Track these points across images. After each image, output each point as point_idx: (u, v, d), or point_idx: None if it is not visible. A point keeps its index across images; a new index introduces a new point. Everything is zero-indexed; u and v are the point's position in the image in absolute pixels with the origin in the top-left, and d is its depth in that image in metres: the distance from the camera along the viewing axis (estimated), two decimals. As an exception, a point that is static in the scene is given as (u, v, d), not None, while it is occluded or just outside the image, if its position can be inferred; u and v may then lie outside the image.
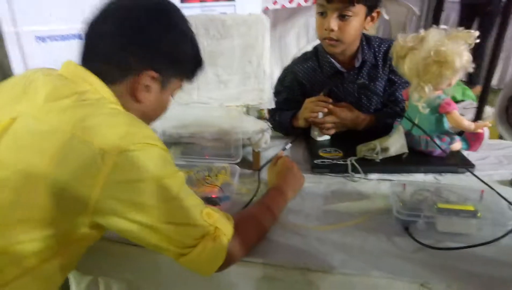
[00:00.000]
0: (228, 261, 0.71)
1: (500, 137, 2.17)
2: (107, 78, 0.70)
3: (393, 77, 1.35)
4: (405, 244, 0.81)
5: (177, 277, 0.83)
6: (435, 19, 2.63)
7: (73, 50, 0.73)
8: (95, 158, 0.58)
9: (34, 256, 0.60)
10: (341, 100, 1.33)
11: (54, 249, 0.62)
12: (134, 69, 0.72)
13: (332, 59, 1.34)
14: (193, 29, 0.78)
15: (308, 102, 1.27)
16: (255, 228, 0.80)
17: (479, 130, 1.10)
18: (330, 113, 1.26)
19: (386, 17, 3.86)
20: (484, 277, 0.72)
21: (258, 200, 0.90)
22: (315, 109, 1.25)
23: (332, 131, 1.28)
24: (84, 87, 0.68)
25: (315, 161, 1.13)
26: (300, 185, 1.00)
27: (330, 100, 1.25)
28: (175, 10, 0.77)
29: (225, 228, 0.70)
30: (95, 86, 0.69)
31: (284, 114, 1.38)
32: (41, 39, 1.77)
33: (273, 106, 1.28)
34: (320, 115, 1.26)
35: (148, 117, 0.79)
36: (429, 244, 0.79)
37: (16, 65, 1.73)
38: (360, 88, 1.35)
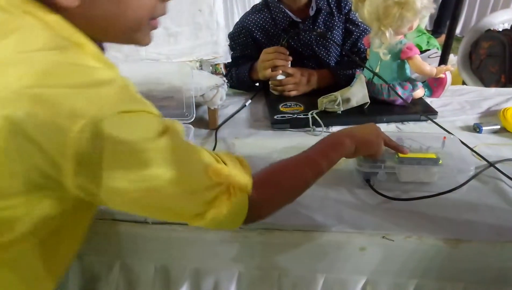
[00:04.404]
0: (254, 215, 0.61)
1: (464, 84, 2.19)
2: None
3: (350, 26, 1.31)
4: (367, 196, 0.79)
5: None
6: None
7: None
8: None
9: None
10: (299, 53, 1.26)
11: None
12: None
13: (285, 9, 1.27)
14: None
15: (265, 53, 1.20)
16: (286, 179, 0.67)
17: (441, 75, 1.07)
18: (289, 74, 1.19)
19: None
20: (444, 224, 0.71)
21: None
22: (275, 62, 1.18)
23: (294, 93, 1.21)
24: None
25: (275, 117, 1.08)
26: (373, 146, 0.79)
27: (287, 52, 1.18)
28: None
29: (241, 180, 0.58)
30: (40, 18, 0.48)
31: (241, 68, 1.31)
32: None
33: (229, 60, 1.21)
34: (279, 77, 1.19)
35: (107, 28, 0.53)
36: (390, 196, 0.77)
37: None
38: (318, 39, 1.29)
